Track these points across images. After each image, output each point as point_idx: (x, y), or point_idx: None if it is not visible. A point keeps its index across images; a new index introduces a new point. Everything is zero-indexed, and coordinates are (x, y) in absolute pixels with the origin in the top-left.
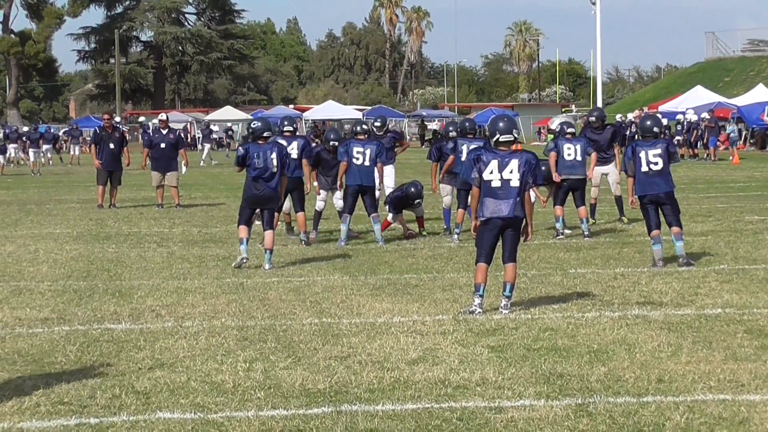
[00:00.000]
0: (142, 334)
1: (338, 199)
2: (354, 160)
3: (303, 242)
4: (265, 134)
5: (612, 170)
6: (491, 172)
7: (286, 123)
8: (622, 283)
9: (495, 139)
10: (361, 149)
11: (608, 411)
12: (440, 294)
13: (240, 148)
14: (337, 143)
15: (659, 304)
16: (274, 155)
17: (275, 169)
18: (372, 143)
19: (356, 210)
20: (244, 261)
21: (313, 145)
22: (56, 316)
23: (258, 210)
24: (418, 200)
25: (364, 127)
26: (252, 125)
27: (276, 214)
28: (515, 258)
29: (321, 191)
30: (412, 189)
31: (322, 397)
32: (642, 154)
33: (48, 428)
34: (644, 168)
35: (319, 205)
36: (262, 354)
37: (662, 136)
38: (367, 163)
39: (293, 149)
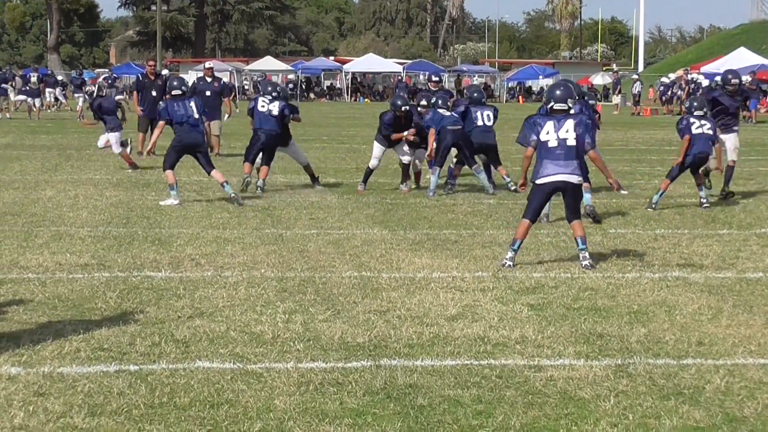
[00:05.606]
0: (181, 283)
1: (404, 155)
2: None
3: (259, 189)
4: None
5: (732, 137)
6: (547, 133)
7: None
8: (663, 245)
9: (550, 106)
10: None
11: (648, 372)
12: (480, 250)
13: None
14: (407, 107)
15: (700, 266)
16: (192, 104)
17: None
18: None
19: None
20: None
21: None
22: (96, 262)
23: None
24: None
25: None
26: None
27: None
28: (579, 215)
29: (376, 148)
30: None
31: (362, 350)
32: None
33: (88, 374)
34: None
35: (373, 163)
36: (302, 306)
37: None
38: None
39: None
